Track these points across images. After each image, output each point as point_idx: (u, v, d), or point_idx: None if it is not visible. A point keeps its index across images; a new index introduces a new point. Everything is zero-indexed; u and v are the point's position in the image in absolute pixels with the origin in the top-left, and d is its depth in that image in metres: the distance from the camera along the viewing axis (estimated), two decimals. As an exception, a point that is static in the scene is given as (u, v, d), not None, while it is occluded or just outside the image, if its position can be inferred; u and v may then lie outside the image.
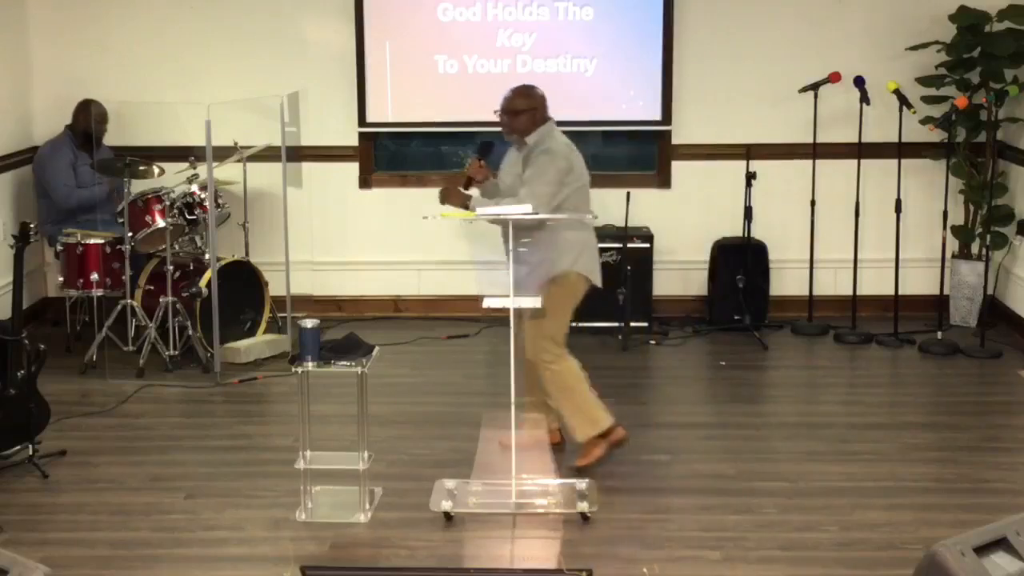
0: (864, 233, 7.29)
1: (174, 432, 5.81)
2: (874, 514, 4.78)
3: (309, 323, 4.72)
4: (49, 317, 7.53)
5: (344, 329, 5.49)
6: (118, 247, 6.70)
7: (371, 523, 4.73)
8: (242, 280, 6.95)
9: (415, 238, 7.56)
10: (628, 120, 7.63)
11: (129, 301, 6.65)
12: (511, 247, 4.83)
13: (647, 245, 7.40)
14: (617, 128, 7.73)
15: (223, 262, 6.73)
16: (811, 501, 4.92)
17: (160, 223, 6.69)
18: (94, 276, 6.72)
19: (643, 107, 7.55)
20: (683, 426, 5.85)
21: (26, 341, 5.25)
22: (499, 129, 5.31)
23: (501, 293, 4.87)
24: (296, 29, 7.52)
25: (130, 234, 6.61)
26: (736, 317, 7.35)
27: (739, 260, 7.36)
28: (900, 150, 7.08)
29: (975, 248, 7.42)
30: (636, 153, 7.85)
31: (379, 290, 7.76)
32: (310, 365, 4.71)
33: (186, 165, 6.84)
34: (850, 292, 7.37)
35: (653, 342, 7.21)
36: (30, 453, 5.21)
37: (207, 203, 6.59)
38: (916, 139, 7.22)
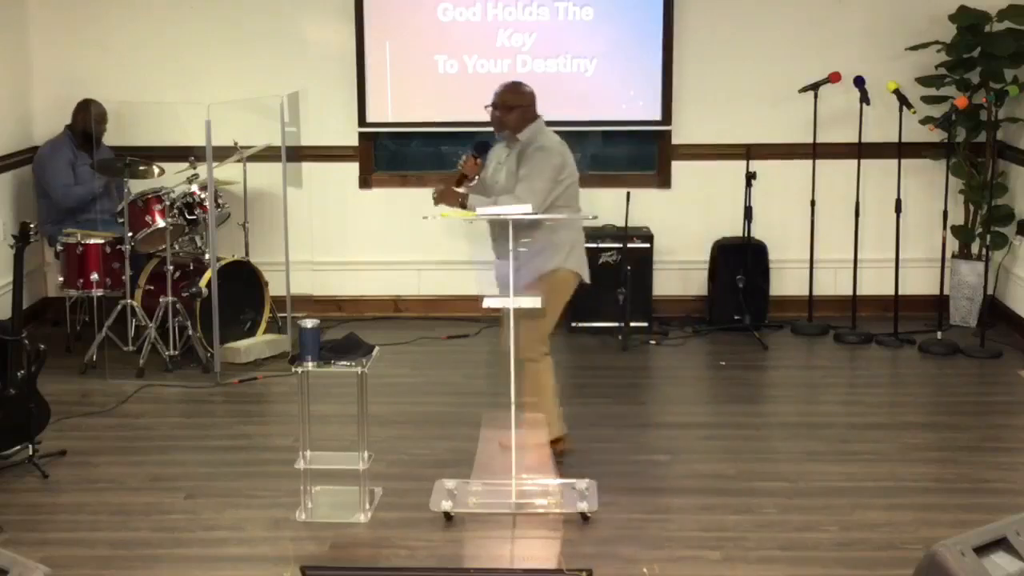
0: (864, 233, 7.29)
1: (174, 432, 5.82)
2: (874, 514, 4.78)
3: (309, 323, 4.72)
4: (49, 317, 7.53)
5: (344, 329, 5.49)
6: (118, 247, 6.70)
7: (371, 523, 4.73)
8: (242, 280, 6.95)
9: (415, 238, 7.56)
10: (628, 120, 7.63)
11: (129, 301, 6.65)
12: (511, 246, 4.83)
13: (647, 245, 7.40)
14: (617, 128, 7.73)
15: (223, 262, 6.73)
16: (811, 501, 4.92)
17: (160, 223, 6.70)
18: (94, 276, 6.72)
19: (643, 107, 7.55)
20: (683, 426, 5.85)
21: (26, 341, 5.25)
22: None
23: (493, 292, 4.91)
24: (296, 29, 7.52)
25: (130, 234, 6.61)
26: (736, 317, 7.35)
27: (739, 260, 7.36)
28: (900, 150, 7.08)
29: (975, 248, 7.42)
30: (636, 153, 7.85)
31: (379, 290, 7.76)
32: (310, 365, 4.72)
33: (186, 165, 6.84)
34: (850, 292, 7.37)
35: (653, 342, 7.21)
36: (30, 453, 5.21)
37: (207, 203, 6.59)
38: (916, 139, 7.22)
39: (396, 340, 7.11)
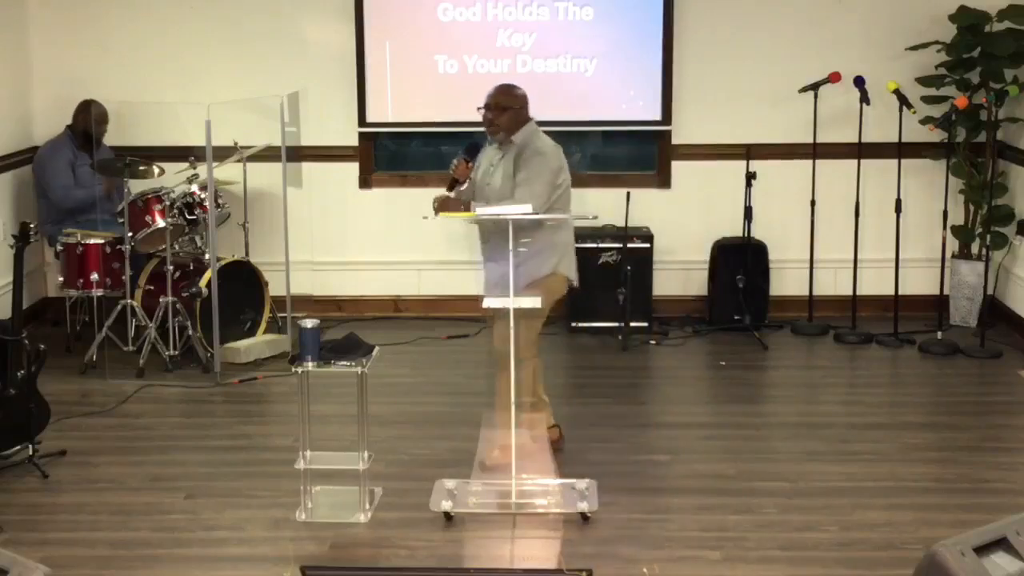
0: (864, 233, 7.29)
1: (174, 432, 5.82)
2: (874, 514, 4.78)
3: (309, 323, 4.72)
4: (49, 317, 7.53)
5: (344, 329, 5.49)
6: (118, 247, 6.70)
7: (371, 523, 4.73)
8: (242, 280, 6.95)
9: (415, 238, 7.56)
10: (628, 120, 7.63)
11: (129, 301, 6.65)
12: (511, 248, 4.82)
13: (647, 245, 7.40)
14: (617, 128, 7.73)
15: (223, 262, 6.73)
16: (811, 501, 4.92)
17: (160, 223, 6.70)
18: (94, 276, 6.72)
19: (643, 107, 7.55)
20: (683, 426, 5.85)
21: (26, 341, 5.25)
22: None
23: (486, 294, 4.95)
24: (296, 29, 7.52)
25: (130, 234, 6.61)
26: (736, 317, 7.35)
27: (739, 260, 7.36)
28: (900, 150, 7.08)
29: (975, 248, 7.42)
30: (636, 153, 7.85)
31: (379, 290, 7.76)
32: (310, 365, 4.72)
33: (186, 165, 6.84)
34: (850, 292, 7.37)
35: (653, 342, 7.21)
36: (30, 453, 5.21)
37: (207, 203, 6.59)
38: (916, 139, 7.22)
39: (396, 340, 7.11)
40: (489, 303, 4.92)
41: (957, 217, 7.42)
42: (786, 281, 7.57)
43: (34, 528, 4.71)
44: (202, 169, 6.61)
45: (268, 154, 6.97)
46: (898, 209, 7.11)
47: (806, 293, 7.49)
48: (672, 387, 6.59)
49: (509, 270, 4.84)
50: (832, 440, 5.61)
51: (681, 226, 7.61)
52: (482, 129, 5.32)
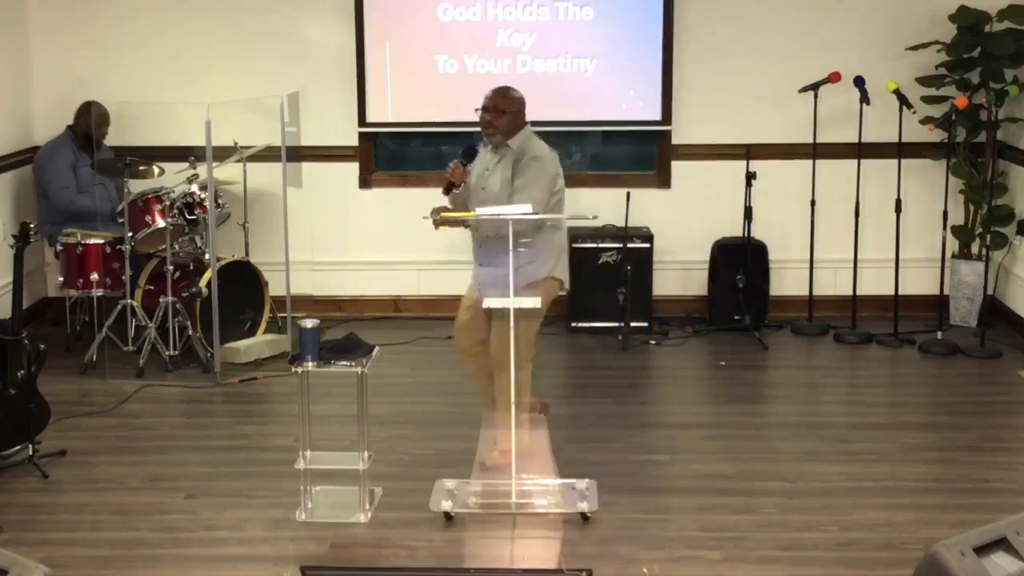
0: (864, 233, 7.29)
1: (174, 432, 5.82)
2: (874, 514, 4.78)
3: (309, 323, 4.72)
4: (49, 317, 7.53)
5: (344, 329, 5.49)
6: (118, 247, 6.70)
7: (371, 523, 4.73)
8: (242, 280, 6.95)
9: (415, 238, 7.54)
10: (628, 120, 7.63)
11: (129, 301, 6.65)
12: (511, 249, 4.83)
13: (647, 245, 7.40)
14: (617, 128, 7.73)
15: (223, 262, 6.73)
16: (811, 501, 4.92)
17: (160, 223, 6.70)
18: (94, 276, 6.72)
19: (643, 107, 7.55)
20: (683, 426, 5.85)
21: (26, 341, 5.25)
22: None
23: (482, 296, 4.99)
24: (296, 29, 7.52)
25: (130, 234, 6.62)
26: (736, 317, 7.35)
27: (739, 260, 7.36)
28: (900, 150, 7.08)
29: (975, 248, 7.42)
30: (636, 153, 7.85)
31: (379, 290, 7.76)
32: (310, 365, 4.72)
33: (186, 165, 6.84)
34: (850, 292, 7.37)
35: (653, 342, 7.21)
36: (30, 453, 5.21)
37: (207, 203, 6.59)
38: (916, 139, 7.21)
39: (396, 340, 7.11)
40: (489, 303, 4.92)
41: (957, 217, 7.42)
42: (786, 281, 7.57)
43: (34, 528, 4.71)
44: (202, 169, 6.62)
45: (268, 154, 6.97)
46: (898, 209, 7.11)
47: (806, 293, 7.49)
48: (672, 387, 6.59)
49: (508, 272, 4.85)
50: (832, 440, 5.61)
51: (681, 226, 7.61)
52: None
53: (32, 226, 5.24)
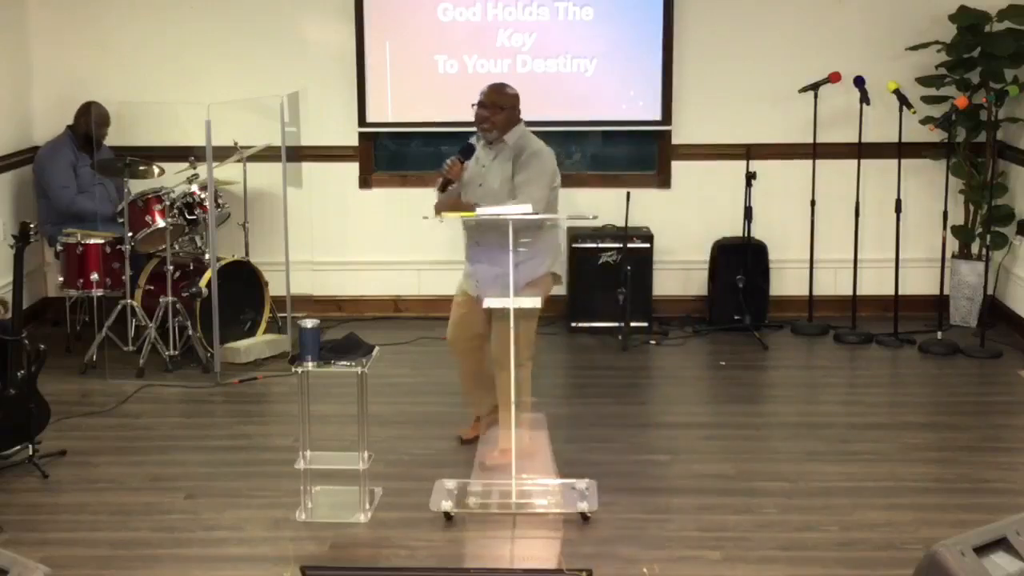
0: (864, 233, 7.29)
1: (174, 432, 5.82)
2: (874, 514, 4.78)
3: (309, 323, 4.72)
4: (49, 317, 7.53)
5: (344, 329, 5.49)
6: (118, 247, 6.70)
7: (371, 523, 4.73)
8: (242, 280, 6.95)
9: (415, 238, 7.55)
10: (628, 120, 7.63)
11: (129, 301, 6.65)
12: (511, 248, 4.83)
13: (647, 245, 7.40)
14: (617, 128, 7.73)
15: (223, 262, 6.73)
16: (811, 501, 4.92)
17: (160, 223, 6.70)
18: (94, 276, 6.72)
19: (643, 107, 7.55)
20: (683, 426, 5.85)
21: (26, 341, 5.25)
22: None
23: (480, 295, 5.00)
24: (296, 29, 7.52)
25: (130, 234, 6.62)
26: (736, 317, 7.35)
27: (739, 260, 7.36)
28: (900, 150, 7.08)
29: (975, 248, 7.42)
30: (636, 153, 7.85)
31: (379, 290, 7.76)
32: (310, 365, 4.72)
33: (186, 165, 6.84)
34: (850, 292, 7.37)
35: (653, 342, 7.21)
36: (30, 453, 5.21)
37: (207, 203, 6.59)
38: (916, 139, 7.21)
39: (396, 340, 7.11)
40: (489, 303, 4.93)
41: (957, 217, 7.41)
42: (786, 281, 7.57)
43: (34, 528, 4.71)
44: (202, 169, 6.61)
45: (268, 154, 6.97)
46: (898, 209, 7.11)
47: (806, 293, 7.49)
48: (672, 387, 6.59)
49: (508, 270, 4.86)
50: (832, 440, 5.61)
51: (681, 226, 7.61)
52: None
53: (32, 226, 5.24)
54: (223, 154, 6.77)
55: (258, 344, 6.85)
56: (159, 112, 7.29)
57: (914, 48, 7.25)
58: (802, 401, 6.34)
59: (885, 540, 4.56)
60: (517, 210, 4.82)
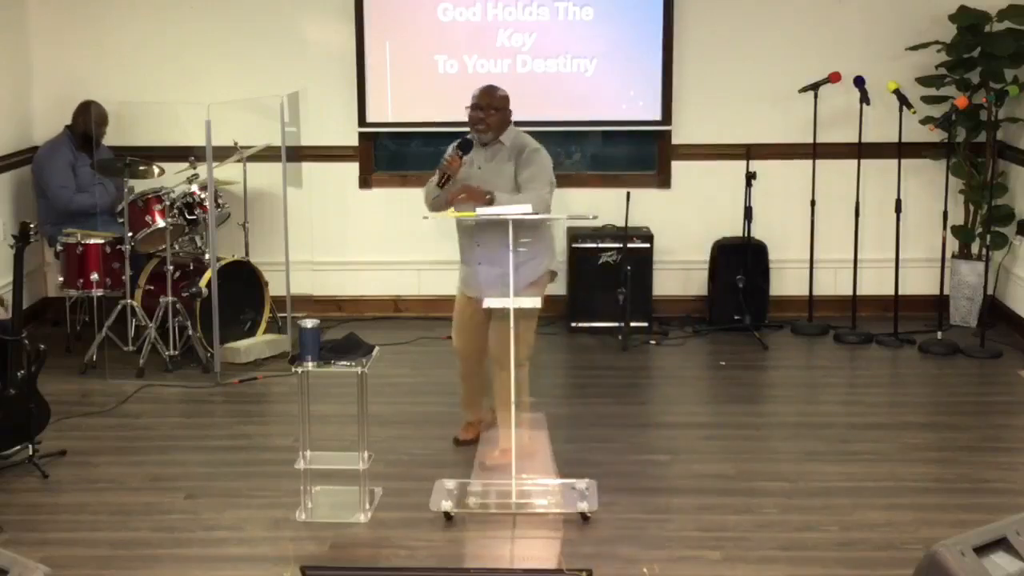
0: (864, 233, 7.29)
1: (174, 432, 5.81)
2: (874, 514, 4.78)
3: (309, 323, 4.72)
4: (49, 317, 7.53)
5: (344, 329, 5.49)
6: (118, 247, 6.70)
7: (371, 523, 4.73)
8: (242, 280, 6.95)
9: (415, 238, 7.55)
10: (628, 120, 7.63)
11: (129, 301, 6.65)
12: (511, 247, 4.83)
13: (647, 245, 7.40)
14: (617, 128, 7.73)
15: (223, 262, 6.73)
16: (811, 501, 4.92)
17: (160, 223, 6.70)
18: (94, 276, 6.72)
19: (643, 107, 7.55)
20: (683, 426, 5.85)
21: (26, 341, 5.25)
22: None
23: (484, 295, 5.00)
24: (296, 29, 7.52)
25: (130, 234, 6.62)
26: (736, 317, 7.35)
27: (739, 260, 7.36)
28: (900, 150, 7.08)
29: (975, 248, 7.42)
30: (636, 153, 7.84)
31: (379, 290, 7.76)
32: (310, 365, 4.72)
33: (186, 165, 6.84)
34: (850, 292, 7.37)
35: (653, 342, 7.21)
36: (30, 453, 5.21)
37: (207, 203, 6.59)
38: (916, 139, 7.21)
39: (396, 340, 7.11)
40: (489, 303, 4.93)
41: (957, 217, 7.42)
42: (786, 281, 7.57)
43: (34, 528, 4.71)
44: (202, 169, 6.61)
45: (268, 154, 6.97)
46: (898, 209, 7.11)
47: (806, 293, 7.49)
48: (672, 387, 6.59)
49: (512, 270, 4.87)
50: (832, 440, 5.61)
51: (681, 226, 7.61)
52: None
53: (32, 226, 5.24)
54: (223, 154, 6.77)
55: (258, 344, 6.85)
56: (159, 112, 7.29)
57: (914, 48, 7.25)
58: (802, 401, 6.34)
59: (885, 540, 4.56)
60: (517, 210, 4.83)
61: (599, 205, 6.91)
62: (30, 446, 5.21)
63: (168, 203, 6.69)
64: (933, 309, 7.18)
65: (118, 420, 5.94)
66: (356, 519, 4.75)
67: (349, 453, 4.86)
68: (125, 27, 7.54)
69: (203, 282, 6.59)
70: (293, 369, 4.77)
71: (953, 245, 7.43)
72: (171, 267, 6.66)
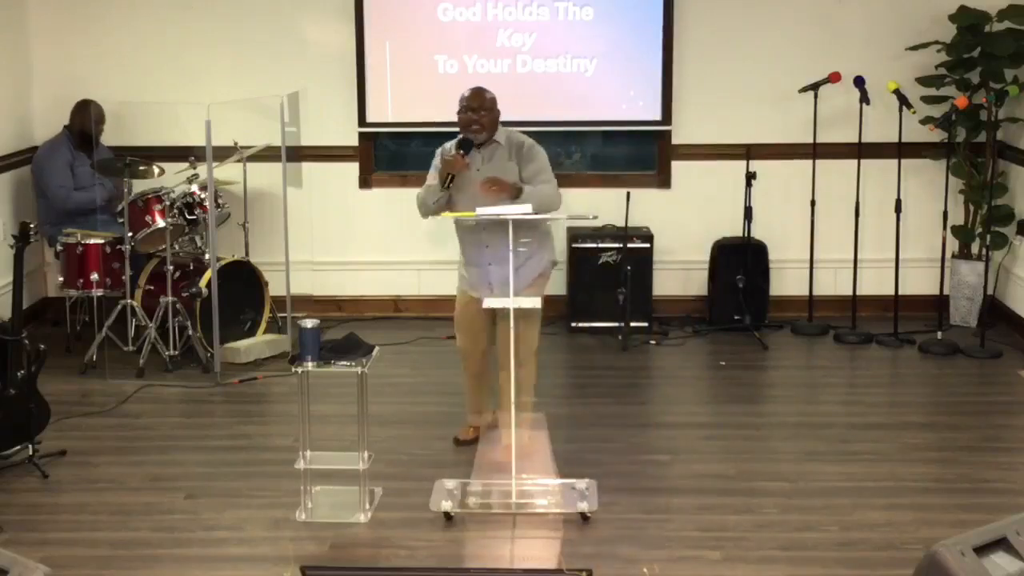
0: (864, 233, 7.29)
1: (174, 432, 5.82)
2: (874, 514, 4.78)
3: (309, 323, 4.72)
4: (49, 317, 7.53)
5: (344, 329, 5.49)
6: (118, 247, 6.70)
7: (371, 523, 4.73)
8: (242, 280, 6.95)
9: (415, 238, 7.55)
10: (628, 120, 7.63)
11: (129, 301, 6.65)
12: (511, 246, 4.84)
13: (647, 245, 7.40)
14: (617, 128, 7.73)
15: (223, 262, 6.73)
16: (811, 501, 4.92)
17: (160, 223, 6.70)
18: (94, 276, 6.72)
19: (643, 107, 7.55)
20: (683, 426, 5.85)
21: (26, 341, 5.25)
22: None
23: (484, 293, 5.03)
24: (296, 29, 7.52)
25: (130, 234, 6.62)
26: (736, 317, 7.35)
27: (739, 260, 7.36)
28: (900, 150, 7.08)
29: (975, 248, 7.42)
30: (636, 153, 7.84)
31: (379, 290, 7.76)
32: (310, 365, 4.72)
33: (186, 165, 6.84)
34: (850, 292, 7.37)
35: (653, 342, 7.21)
36: (30, 453, 5.21)
37: (207, 203, 6.59)
38: (916, 139, 7.21)
39: (396, 340, 7.11)
40: (489, 303, 4.93)
41: (957, 217, 7.42)
42: (786, 281, 7.57)
43: (34, 528, 4.71)
44: (202, 169, 6.62)
45: (268, 154, 6.97)
46: (898, 209, 7.11)
47: (806, 293, 7.49)
48: (672, 387, 6.59)
49: (521, 269, 4.89)
50: (832, 440, 5.61)
51: (681, 226, 7.61)
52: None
53: (32, 226, 5.24)
54: (223, 154, 6.77)
55: (258, 344, 6.85)
56: (159, 112, 7.29)
57: (914, 48, 7.25)
58: (802, 401, 6.34)
59: (885, 540, 4.56)
60: (518, 210, 4.84)
61: (599, 205, 6.91)
62: (30, 446, 5.21)
63: (168, 203, 6.69)
64: (933, 309, 7.18)
65: (118, 420, 5.94)
66: (356, 519, 4.75)
67: (349, 453, 4.86)
68: (125, 27, 7.54)
69: (203, 282, 6.59)
70: (293, 369, 4.77)
71: (953, 245, 7.43)
72: (171, 267, 6.66)
